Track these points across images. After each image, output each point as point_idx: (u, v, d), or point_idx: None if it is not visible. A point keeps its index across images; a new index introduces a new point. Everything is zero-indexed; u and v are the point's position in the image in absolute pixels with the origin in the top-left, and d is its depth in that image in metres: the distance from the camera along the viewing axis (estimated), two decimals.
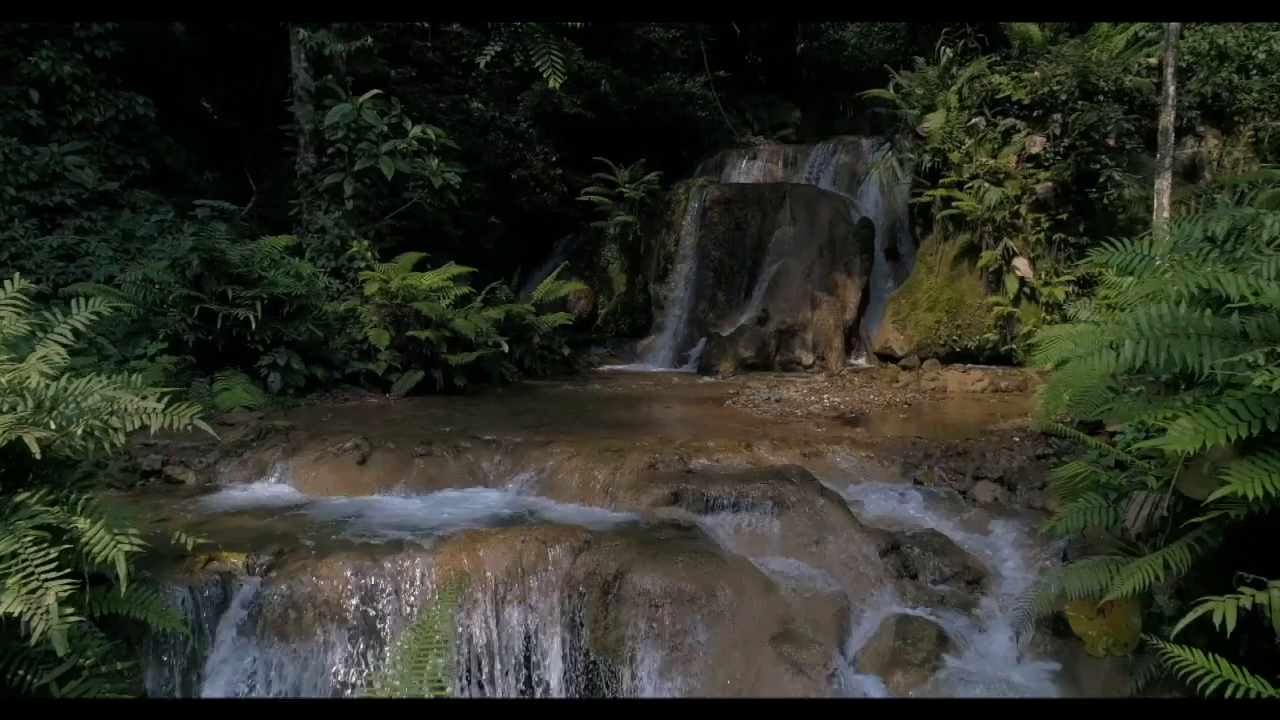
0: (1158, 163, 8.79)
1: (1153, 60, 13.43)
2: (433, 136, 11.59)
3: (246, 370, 9.15)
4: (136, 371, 8.47)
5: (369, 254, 10.52)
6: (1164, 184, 8.61)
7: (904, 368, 12.17)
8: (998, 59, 13.92)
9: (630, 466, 6.69)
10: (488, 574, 5.34)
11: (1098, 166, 12.56)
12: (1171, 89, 8.63)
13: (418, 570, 5.26)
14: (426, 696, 3.42)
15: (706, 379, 12.55)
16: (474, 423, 8.44)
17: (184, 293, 8.74)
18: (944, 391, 11.13)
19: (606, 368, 13.89)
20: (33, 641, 3.82)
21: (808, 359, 13.14)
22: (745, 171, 16.57)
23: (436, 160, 11.69)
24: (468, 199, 15.52)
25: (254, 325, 8.73)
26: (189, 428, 4.90)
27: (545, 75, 9.96)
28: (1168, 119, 8.67)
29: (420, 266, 10.96)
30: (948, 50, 14.45)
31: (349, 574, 5.15)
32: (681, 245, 14.98)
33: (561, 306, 14.98)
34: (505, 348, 10.53)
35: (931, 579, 5.79)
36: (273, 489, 6.80)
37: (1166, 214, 8.57)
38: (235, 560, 5.21)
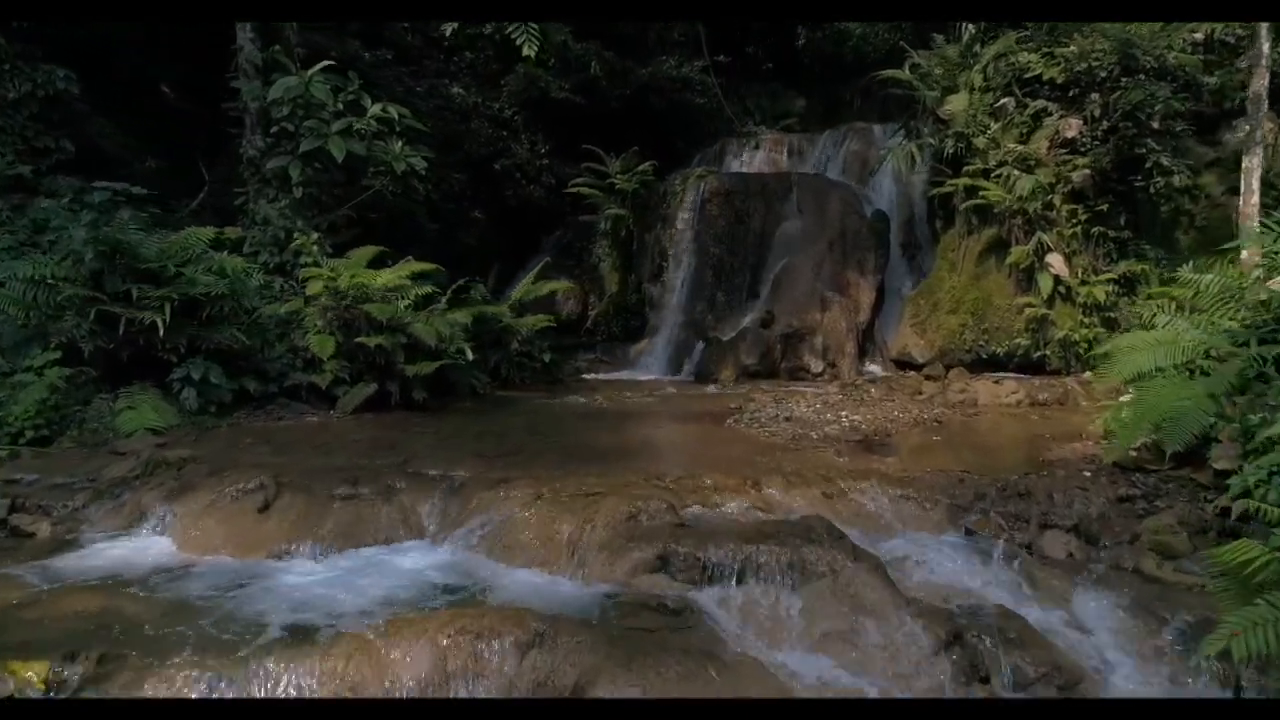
0: (1246, 136, 7.14)
1: (1198, 36, 11.75)
2: (394, 116, 9.93)
3: (160, 385, 7.49)
4: (21, 387, 6.84)
5: (315, 248, 8.84)
6: (1253, 162, 6.95)
7: (927, 377, 10.50)
8: (1025, 34, 12.24)
9: (605, 517, 5.02)
10: (395, 685, 3.68)
11: (1143, 151, 10.89)
12: (1265, 46, 6.94)
13: (295, 685, 3.60)
14: None
15: (705, 389, 10.89)
16: (423, 449, 6.78)
17: (78, 292, 7.06)
18: (974, 405, 9.46)
19: (594, 375, 12.23)
20: None
21: (817, 366, 11.47)
22: (747, 161, 14.88)
23: (400, 143, 10.01)
24: (446, 190, 13.88)
25: (162, 331, 7.06)
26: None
27: (518, 43, 8.28)
28: (1260, 83, 6.99)
29: (381, 263, 9.30)
30: (970, 26, 12.78)
31: (190, 692, 3.49)
32: (678, 241, 13.32)
33: (548, 308, 13.31)
34: (470, 356, 8.87)
35: (1010, 683, 4.11)
36: (145, 545, 5.13)
37: (1256, 199, 6.89)
38: (31, 674, 3.54)
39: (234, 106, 10.10)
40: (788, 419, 8.18)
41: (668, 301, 13.16)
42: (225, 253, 8.00)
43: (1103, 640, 4.35)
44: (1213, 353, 6.29)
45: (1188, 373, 6.32)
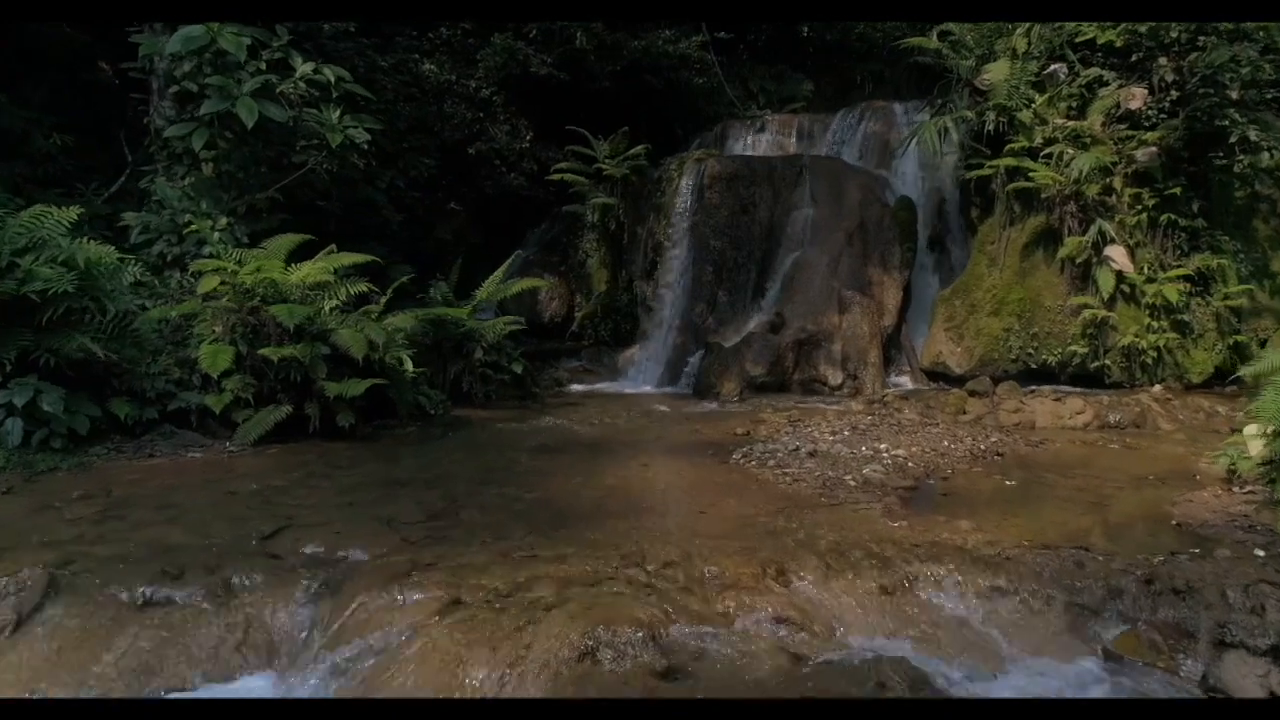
0: None
1: None
2: (330, 78, 7.91)
3: None
4: None
5: (218, 235, 6.82)
6: None
7: (971, 393, 8.45)
8: None
9: (545, 652, 2.99)
10: None
11: (1225, 124, 8.85)
12: None
13: None
14: None
15: (704, 405, 8.87)
16: (314, 508, 4.74)
17: None
18: (1033, 429, 7.47)
19: (577, 388, 10.20)
20: None
21: (836, 378, 9.43)
22: (751, 144, 12.83)
23: (338, 111, 7.99)
24: (415, 178, 11.84)
25: None
26: None
27: None
28: None
29: (308, 254, 7.27)
30: None
31: None
32: (673, 233, 11.30)
33: (530, 309, 11.32)
34: (410, 368, 6.85)
35: None
36: None
37: None
38: None
39: (137, 67, 8.08)
40: (811, 453, 6.15)
41: (662, 302, 11.16)
42: (85, 240, 5.96)
43: None
44: None
45: None
